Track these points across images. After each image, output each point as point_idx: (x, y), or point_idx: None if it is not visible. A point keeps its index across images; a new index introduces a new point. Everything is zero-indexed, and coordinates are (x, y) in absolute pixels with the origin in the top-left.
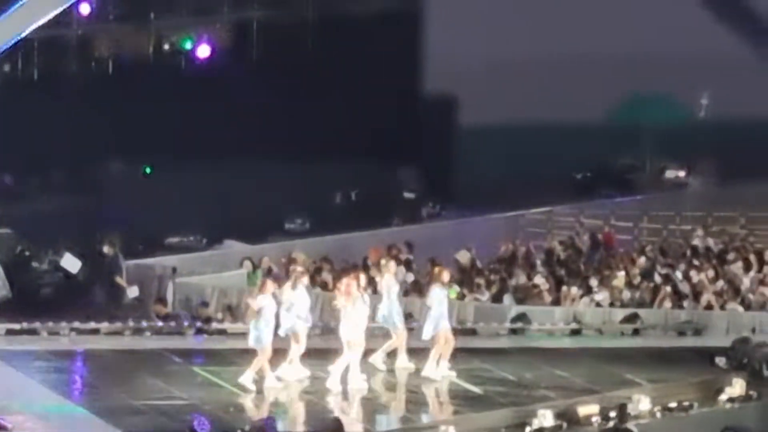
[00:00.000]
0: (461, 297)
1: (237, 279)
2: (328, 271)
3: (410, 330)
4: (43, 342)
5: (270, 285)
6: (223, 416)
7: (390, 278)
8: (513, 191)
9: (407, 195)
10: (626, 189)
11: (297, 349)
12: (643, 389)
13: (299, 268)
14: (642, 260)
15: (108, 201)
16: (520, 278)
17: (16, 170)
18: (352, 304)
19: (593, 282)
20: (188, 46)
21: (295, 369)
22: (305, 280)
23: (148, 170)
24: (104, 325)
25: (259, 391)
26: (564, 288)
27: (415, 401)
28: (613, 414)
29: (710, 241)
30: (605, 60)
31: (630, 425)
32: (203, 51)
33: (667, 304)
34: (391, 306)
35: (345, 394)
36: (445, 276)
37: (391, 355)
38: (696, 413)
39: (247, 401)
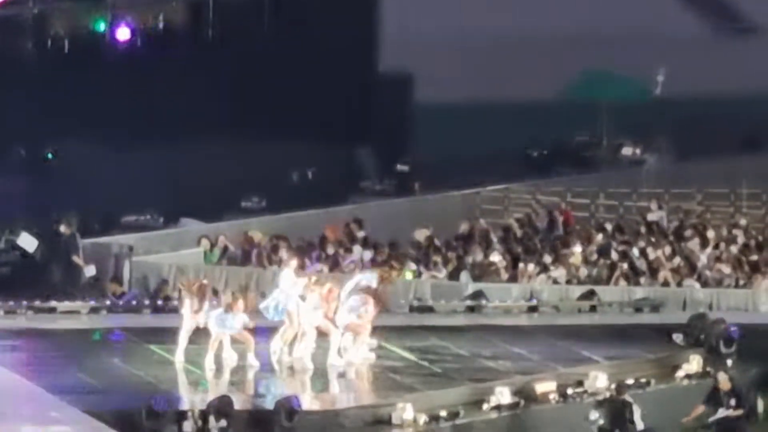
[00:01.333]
0: (418, 275)
1: (194, 257)
2: (285, 249)
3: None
4: (0, 321)
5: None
6: (180, 394)
7: (290, 273)
8: (469, 169)
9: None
10: (583, 166)
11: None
12: (601, 366)
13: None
14: (599, 237)
15: (64, 180)
16: (477, 256)
17: None
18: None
19: (548, 259)
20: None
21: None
22: (293, 263)
23: (50, 156)
24: (62, 304)
25: (218, 369)
26: (521, 265)
27: (372, 380)
28: (570, 391)
29: (664, 216)
30: (561, 37)
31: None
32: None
33: (624, 281)
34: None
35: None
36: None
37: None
38: (653, 390)
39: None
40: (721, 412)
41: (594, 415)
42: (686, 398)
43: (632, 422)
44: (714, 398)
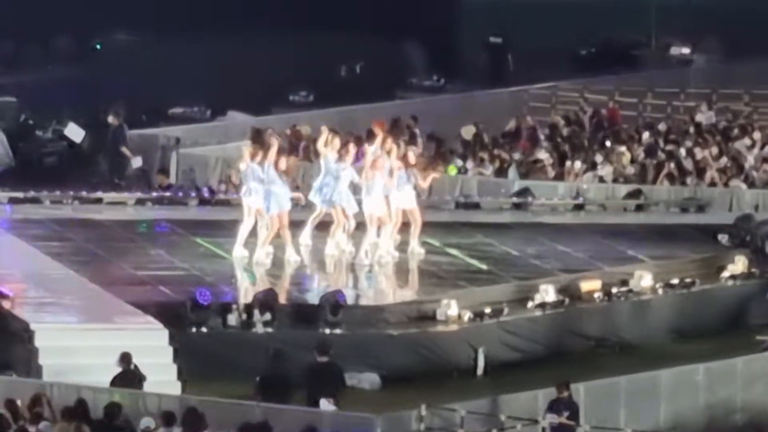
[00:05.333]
0: (464, 171)
1: (241, 150)
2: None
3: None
4: (46, 211)
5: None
6: (224, 287)
7: (332, 155)
8: (517, 66)
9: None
10: (631, 65)
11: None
12: (646, 265)
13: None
14: (646, 136)
15: (112, 71)
16: (524, 153)
17: (19, 38)
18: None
19: (598, 158)
20: None
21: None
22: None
23: (98, 46)
24: (108, 195)
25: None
26: (567, 163)
27: (417, 275)
28: (615, 290)
29: (712, 116)
30: None
31: None
32: None
33: (670, 181)
34: (335, 184)
35: (348, 268)
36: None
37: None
38: (698, 290)
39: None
40: None
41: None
42: (731, 299)
43: None
44: None
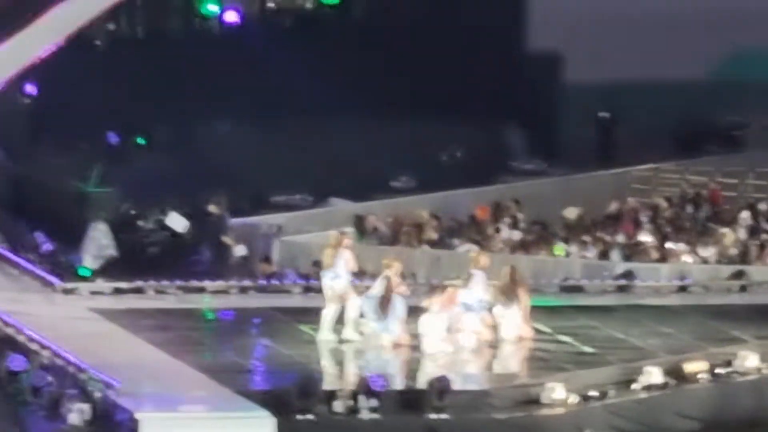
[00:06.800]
0: (567, 254)
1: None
2: (434, 229)
3: None
4: (150, 300)
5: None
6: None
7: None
8: (618, 148)
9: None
10: (732, 146)
11: None
12: (750, 345)
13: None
14: (747, 216)
15: (213, 159)
16: (627, 235)
17: (122, 129)
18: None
19: (694, 238)
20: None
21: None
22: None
23: (140, 141)
24: (211, 284)
25: (364, 350)
26: (670, 245)
27: (522, 360)
28: (720, 371)
29: None
30: (709, 14)
31: None
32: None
33: None
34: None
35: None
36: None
37: None
38: None
39: (355, 359)
40: None
41: None
42: None
43: None
44: None
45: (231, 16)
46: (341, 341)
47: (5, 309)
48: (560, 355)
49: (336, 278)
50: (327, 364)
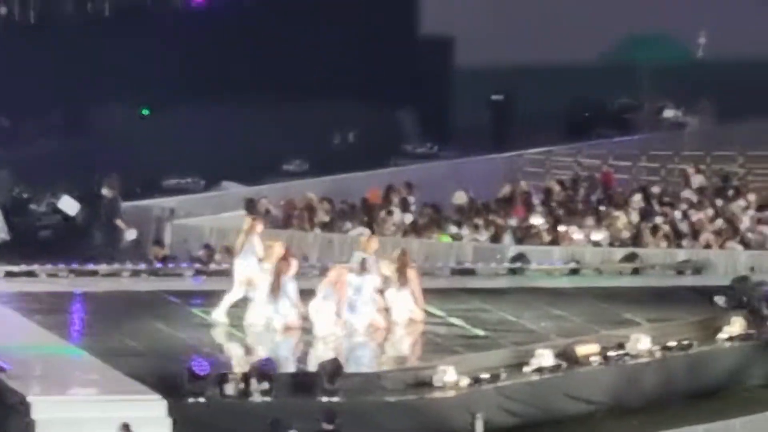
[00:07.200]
0: (459, 238)
1: (235, 220)
2: (326, 212)
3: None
4: (42, 284)
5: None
6: (221, 357)
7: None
8: (511, 131)
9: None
10: (624, 129)
11: None
12: (642, 328)
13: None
14: (640, 199)
15: (105, 143)
16: (519, 218)
17: (13, 112)
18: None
19: (590, 221)
20: None
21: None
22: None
23: (145, 112)
24: (103, 267)
25: (256, 333)
26: (562, 228)
27: (414, 342)
28: (612, 353)
29: (703, 180)
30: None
31: None
32: None
33: (666, 243)
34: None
35: (344, 336)
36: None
37: None
38: (695, 352)
39: (245, 342)
40: None
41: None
42: (728, 361)
43: None
44: None
45: None
46: (233, 325)
47: None
48: (452, 338)
49: (246, 263)
50: (219, 347)
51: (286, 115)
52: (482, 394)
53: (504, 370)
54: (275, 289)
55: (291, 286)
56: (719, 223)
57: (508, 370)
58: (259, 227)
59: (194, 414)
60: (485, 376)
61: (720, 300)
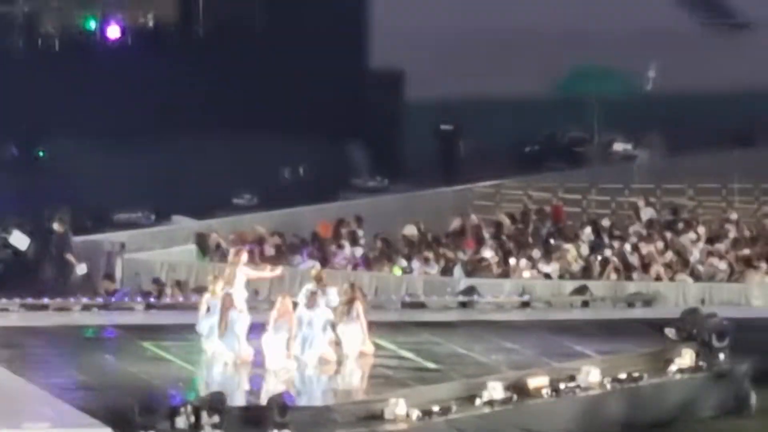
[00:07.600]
0: (410, 271)
1: (186, 254)
2: (275, 246)
3: None
4: None
5: None
6: (172, 390)
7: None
8: (461, 164)
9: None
10: (574, 162)
11: None
12: (593, 361)
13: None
14: (590, 232)
15: (55, 177)
16: (469, 252)
17: None
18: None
19: (537, 254)
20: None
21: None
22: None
23: (41, 154)
24: (54, 301)
25: (209, 367)
26: (512, 261)
27: (364, 375)
28: (563, 386)
29: (653, 213)
30: (552, 32)
31: None
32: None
33: (616, 276)
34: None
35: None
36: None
37: None
38: (646, 384)
39: (197, 375)
40: None
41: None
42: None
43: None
44: None
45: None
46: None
47: None
48: (402, 371)
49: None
50: (168, 381)
51: (235, 149)
52: (433, 426)
53: (455, 403)
54: (222, 323)
55: (239, 320)
56: (669, 255)
57: (459, 403)
58: (244, 257)
59: None
60: (436, 408)
61: (670, 332)
